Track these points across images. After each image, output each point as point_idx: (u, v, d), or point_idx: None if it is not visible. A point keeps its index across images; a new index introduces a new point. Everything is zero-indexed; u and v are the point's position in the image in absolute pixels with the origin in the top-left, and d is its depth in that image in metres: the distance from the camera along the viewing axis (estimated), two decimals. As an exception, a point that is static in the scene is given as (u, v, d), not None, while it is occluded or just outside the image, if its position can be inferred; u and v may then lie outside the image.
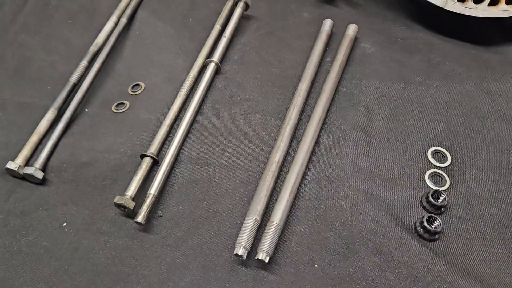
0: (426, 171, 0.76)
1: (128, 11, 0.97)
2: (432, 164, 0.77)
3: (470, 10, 0.88)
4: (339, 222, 0.69)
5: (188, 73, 0.87)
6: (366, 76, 0.88)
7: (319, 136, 0.78)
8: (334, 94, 0.83)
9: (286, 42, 0.94)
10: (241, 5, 0.94)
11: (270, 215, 0.67)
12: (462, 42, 0.97)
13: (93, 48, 0.90)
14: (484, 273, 0.66)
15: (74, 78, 0.85)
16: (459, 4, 0.88)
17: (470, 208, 0.72)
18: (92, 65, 0.87)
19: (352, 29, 0.92)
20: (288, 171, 0.72)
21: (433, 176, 0.76)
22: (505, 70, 0.91)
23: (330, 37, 0.93)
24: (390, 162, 0.77)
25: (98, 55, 0.89)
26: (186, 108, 0.80)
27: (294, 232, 0.68)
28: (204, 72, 0.86)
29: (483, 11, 0.88)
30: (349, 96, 0.84)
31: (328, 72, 0.85)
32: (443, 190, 0.74)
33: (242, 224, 0.66)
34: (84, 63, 0.87)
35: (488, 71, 0.90)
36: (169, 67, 0.90)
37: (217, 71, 0.87)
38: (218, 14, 0.98)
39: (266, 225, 0.66)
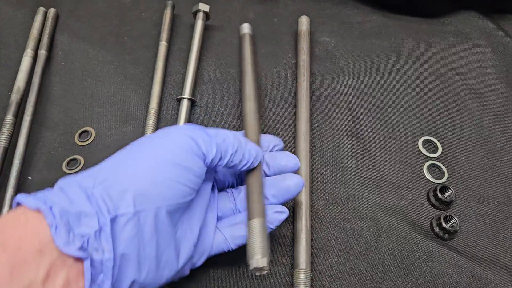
0: (423, 164, 0.74)
1: (45, 39, 0.79)
2: (426, 156, 0.75)
3: (424, -14, 0.85)
4: (363, 246, 0.64)
5: (146, 106, 0.73)
6: (340, 74, 0.82)
7: (313, 153, 0.71)
8: (314, 101, 0.76)
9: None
10: (201, 16, 0.80)
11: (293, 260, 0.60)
12: (413, 18, 0.94)
13: (15, 96, 0.72)
14: (503, 260, 0.66)
15: (2, 141, 0.67)
16: (411, -19, 0.85)
17: (471, 194, 0.72)
18: (22, 119, 0.70)
19: (305, 23, 0.84)
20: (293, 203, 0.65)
21: (431, 169, 0.74)
22: (460, 41, 0.91)
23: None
24: (388, 164, 0.73)
25: (25, 104, 0.72)
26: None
27: (322, 269, 0.62)
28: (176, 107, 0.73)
29: (436, -15, 0.86)
30: (331, 100, 0.78)
31: (295, 78, 0.78)
32: (444, 182, 0.73)
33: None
34: (10, 118, 0.69)
35: (447, 45, 0.89)
36: (119, 102, 0.75)
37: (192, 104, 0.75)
38: (155, 26, 0.84)
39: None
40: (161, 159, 0.46)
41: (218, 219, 0.57)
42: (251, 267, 0.47)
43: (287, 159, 0.58)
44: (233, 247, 0.55)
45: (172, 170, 0.46)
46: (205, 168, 0.50)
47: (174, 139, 0.48)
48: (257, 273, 0.47)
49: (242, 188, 0.59)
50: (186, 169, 0.47)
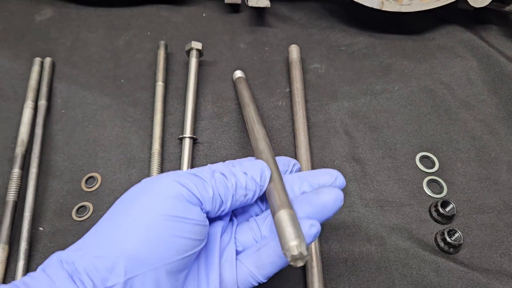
0: (422, 180, 0.76)
1: (44, 89, 0.81)
2: (424, 171, 0.77)
3: (406, 6, 0.89)
4: (373, 268, 0.66)
5: (148, 148, 0.75)
6: (333, 99, 0.84)
7: (317, 180, 0.73)
8: (311, 127, 0.79)
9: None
10: (194, 54, 0.83)
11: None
12: (398, 36, 0.97)
13: (20, 149, 0.73)
14: (509, 269, 0.68)
15: (11, 195, 0.68)
16: (394, 3, 0.88)
17: (471, 205, 0.74)
18: (28, 170, 0.71)
19: (295, 52, 0.87)
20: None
21: (430, 184, 0.76)
22: (446, 55, 0.94)
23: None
24: (388, 183, 0.75)
25: (30, 156, 0.73)
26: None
27: (335, 295, 0.64)
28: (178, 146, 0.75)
29: (418, 5, 0.89)
30: (328, 125, 0.80)
31: (291, 107, 0.80)
32: (444, 196, 0.75)
33: None
34: (16, 172, 0.70)
35: (434, 61, 0.93)
36: (122, 146, 0.77)
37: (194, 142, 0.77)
38: (150, 66, 0.86)
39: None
40: (150, 214, 0.41)
41: (238, 253, 0.49)
42: (289, 258, 0.39)
43: (329, 176, 0.50)
44: (262, 279, 0.46)
45: (165, 224, 0.41)
46: (205, 215, 0.45)
47: (161, 189, 0.43)
48: (299, 264, 0.40)
49: (268, 213, 0.50)
50: (181, 220, 0.41)
